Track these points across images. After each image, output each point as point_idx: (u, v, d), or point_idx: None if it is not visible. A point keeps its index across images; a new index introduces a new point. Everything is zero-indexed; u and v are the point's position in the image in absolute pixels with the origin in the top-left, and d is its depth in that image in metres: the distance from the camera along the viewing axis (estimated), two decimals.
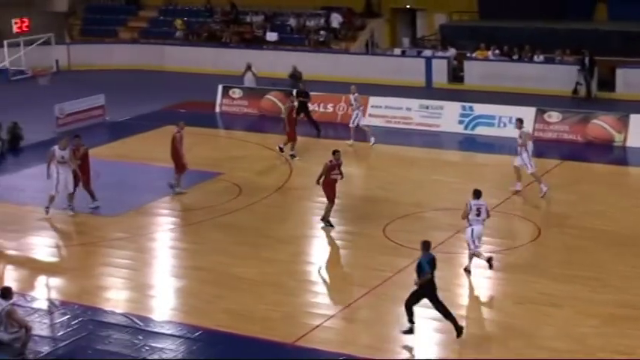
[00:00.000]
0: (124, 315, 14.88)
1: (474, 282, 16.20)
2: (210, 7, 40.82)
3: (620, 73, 31.01)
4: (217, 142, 25.25)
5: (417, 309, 14.31)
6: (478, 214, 16.15)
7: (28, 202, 20.24)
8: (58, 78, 25.42)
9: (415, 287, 13.88)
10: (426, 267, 13.75)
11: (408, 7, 38.88)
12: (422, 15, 39.03)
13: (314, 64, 33.80)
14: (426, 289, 13.83)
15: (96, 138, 26.18)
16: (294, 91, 27.66)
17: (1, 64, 23.64)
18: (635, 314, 14.59)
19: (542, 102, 27.60)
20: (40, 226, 19.33)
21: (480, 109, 26.99)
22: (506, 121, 26.39)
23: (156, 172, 23.32)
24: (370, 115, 28.04)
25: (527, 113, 26.24)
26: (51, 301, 15.69)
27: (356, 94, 25.67)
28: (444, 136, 26.66)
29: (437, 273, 16.39)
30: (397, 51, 36.53)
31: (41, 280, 16.95)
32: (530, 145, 20.93)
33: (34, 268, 17.40)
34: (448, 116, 27.22)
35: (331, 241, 18.28)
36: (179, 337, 14.11)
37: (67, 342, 13.97)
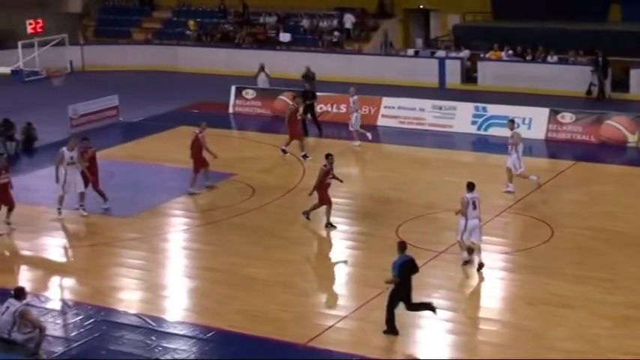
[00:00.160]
0: (136, 315, 14.94)
1: (486, 283, 16.17)
2: (223, 8, 40.92)
3: (634, 74, 30.90)
4: (230, 142, 25.27)
5: (429, 312, 14.33)
6: (474, 208, 16.36)
7: (41, 203, 20.35)
8: (72, 79, 25.54)
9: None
10: (396, 270, 13.83)
11: (421, 7, 38.83)
12: (435, 15, 38.97)
13: (327, 65, 33.82)
14: (398, 292, 13.88)
15: (109, 139, 26.32)
16: (301, 93, 27.73)
17: (15, 65, 23.73)
18: None
19: (555, 103, 27.52)
20: (53, 226, 19.43)
21: (493, 109, 26.93)
22: (519, 121, 26.25)
23: (169, 173, 23.42)
24: (383, 116, 28.07)
25: (541, 114, 26.25)
26: (64, 302, 15.76)
27: (355, 97, 25.69)
28: (457, 137, 26.62)
29: (449, 274, 16.52)
30: (410, 52, 36.51)
31: (54, 280, 17.03)
32: (520, 146, 20.91)
33: (47, 268, 17.50)
34: (461, 117, 27.17)
35: (344, 242, 18.27)
36: (192, 337, 14.15)
37: (80, 342, 14.03)
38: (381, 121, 28.05)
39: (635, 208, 19.78)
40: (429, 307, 14.16)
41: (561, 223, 18.87)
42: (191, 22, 40.34)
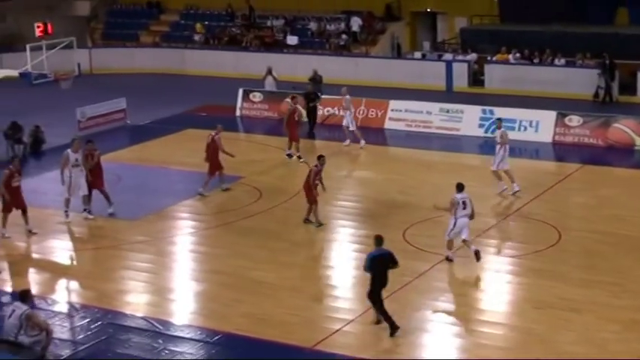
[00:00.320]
0: (143, 318, 14.95)
1: (492, 287, 16.16)
2: (231, 11, 40.95)
3: None
4: (237, 145, 25.25)
5: (435, 315, 14.31)
6: (464, 208, 16.56)
7: (49, 205, 20.39)
8: (80, 82, 25.61)
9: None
10: (367, 263, 14.01)
11: (428, 10, 38.83)
12: (442, 18, 38.95)
13: (334, 68, 33.83)
14: (374, 287, 14.01)
15: (117, 141, 26.37)
16: (304, 94, 27.81)
17: (23, 68, 23.80)
18: None
19: (562, 106, 27.48)
20: (60, 229, 19.46)
21: (500, 112, 26.84)
22: (526, 124, 26.30)
23: (176, 176, 23.45)
24: (390, 119, 28.06)
25: (548, 117, 26.21)
26: (71, 305, 15.80)
27: (347, 96, 25.78)
28: (464, 140, 26.59)
29: (456, 277, 16.52)
30: (417, 55, 36.49)
31: (62, 283, 17.07)
32: (507, 145, 21.05)
33: (54, 271, 17.54)
34: (468, 120, 27.15)
35: (350, 245, 18.25)
36: (198, 340, 14.16)
37: (87, 345, 14.06)
38: (388, 124, 28.03)
39: None
40: (388, 318, 14.06)
41: (568, 227, 18.83)
42: (198, 26, 40.40)
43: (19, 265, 17.83)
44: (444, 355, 13.74)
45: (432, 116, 27.60)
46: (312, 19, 39.39)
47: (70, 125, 27.00)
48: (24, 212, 18.91)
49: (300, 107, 25.34)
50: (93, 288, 16.48)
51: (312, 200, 19.04)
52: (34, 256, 18.44)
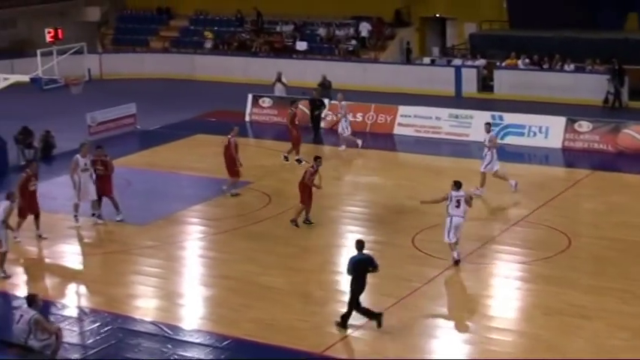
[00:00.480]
0: (153, 323, 14.98)
1: (502, 293, 16.13)
2: (240, 17, 41.06)
3: None
4: (247, 151, 25.28)
5: (443, 321, 14.29)
6: (458, 206, 16.67)
7: (59, 210, 20.45)
8: (90, 87, 25.64)
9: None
10: (350, 266, 14.30)
11: (437, 16, 38.84)
12: (452, 24, 38.97)
13: (343, 74, 33.89)
14: (354, 289, 14.28)
15: (127, 146, 26.46)
16: (309, 100, 27.92)
17: (34, 73, 23.87)
18: None
19: (572, 111, 27.44)
20: (70, 234, 19.53)
21: (509, 118, 26.87)
22: (536, 130, 26.28)
23: (186, 181, 23.51)
24: (399, 125, 28.08)
25: (558, 123, 26.17)
26: (81, 309, 15.84)
27: (343, 102, 25.91)
28: (473, 146, 26.48)
29: (465, 283, 16.50)
30: (427, 60, 36.50)
31: (71, 287, 17.13)
32: (494, 150, 21.21)
33: (64, 275, 17.60)
34: (478, 126, 27.00)
35: None
36: (207, 345, 14.18)
37: (96, 350, 14.09)
38: (397, 130, 28.05)
39: None
40: (370, 314, 14.42)
41: (578, 233, 18.78)
42: (207, 33, 40.50)
43: (29, 269, 17.87)
44: None
45: (442, 122, 27.59)
46: (321, 24, 39.46)
47: (80, 130, 27.10)
48: (36, 217, 18.97)
49: (304, 109, 25.45)
50: (102, 292, 16.53)
51: (304, 200, 19.21)
52: (44, 260, 18.50)
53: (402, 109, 28.32)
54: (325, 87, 30.19)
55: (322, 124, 27.18)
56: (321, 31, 39.18)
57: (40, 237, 18.96)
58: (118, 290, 16.54)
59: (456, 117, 27.50)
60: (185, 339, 14.48)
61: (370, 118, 28.49)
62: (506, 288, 16.28)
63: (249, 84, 33.63)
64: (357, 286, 14.36)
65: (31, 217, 18.92)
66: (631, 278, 16.35)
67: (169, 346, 14.18)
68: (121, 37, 42.48)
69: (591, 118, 26.20)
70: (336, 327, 14.42)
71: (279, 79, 31.71)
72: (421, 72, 34.96)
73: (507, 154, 25.58)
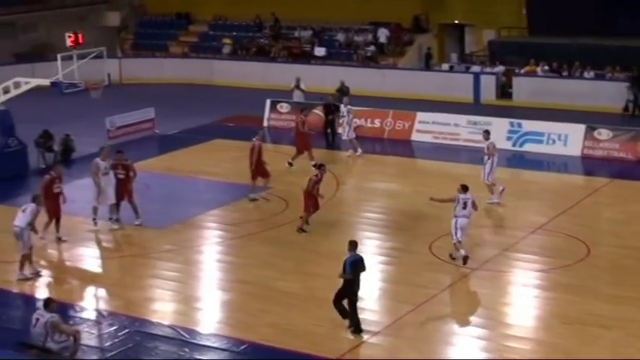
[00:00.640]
0: (170, 327, 15.02)
1: (520, 301, 16.05)
2: (259, 22, 41.17)
3: None
4: (265, 155, 25.31)
5: (461, 328, 14.22)
6: (464, 207, 17.12)
7: (78, 213, 20.54)
8: (110, 91, 25.78)
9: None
10: (347, 268, 14.33)
11: (456, 22, 38.78)
12: (470, 31, 38.88)
13: (361, 79, 33.87)
14: (346, 289, 14.36)
15: (145, 151, 26.55)
16: (324, 105, 27.98)
17: (54, 77, 24.02)
18: None
19: (592, 119, 27.30)
20: (89, 237, 19.63)
21: (528, 125, 26.76)
22: (555, 138, 26.16)
23: (204, 185, 23.58)
24: (417, 131, 28.02)
25: (577, 130, 26.04)
26: (99, 312, 15.91)
27: (348, 106, 26.11)
28: None
29: (483, 291, 16.43)
30: (445, 66, 36.44)
31: (90, 290, 17.20)
32: (496, 157, 21.17)
33: (83, 278, 17.68)
34: (496, 133, 26.90)
35: (376, 257, 18.22)
36: (224, 350, 14.21)
37: (114, 352, 14.15)
38: (415, 136, 28.01)
39: None
40: (345, 313, 14.52)
41: (597, 242, 18.67)
42: (226, 40, 40.62)
43: (48, 272, 17.97)
44: None
45: (460, 128, 27.51)
46: (340, 30, 39.49)
47: (99, 134, 27.24)
48: (57, 220, 19.08)
49: (319, 113, 25.52)
50: (120, 296, 16.60)
51: (308, 208, 19.32)
52: (64, 263, 18.60)
53: (420, 116, 28.27)
54: (343, 92, 30.17)
55: (339, 130, 27.14)
56: (340, 37, 39.21)
57: (59, 239, 19.08)
58: (136, 294, 16.60)
59: (475, 124, 27.39)
60: (202, 343, 14.51)
61: (388, 124, 28.45)
62: (524, 296, 16.21)
63: (267, 89, 33.68)
64: (355, 288, 14.41)
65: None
66: None
67: (186, 349, 14.22)
68: (141, 42, 42.70)
69: (611, 126, 26.05)
70: (351, 334, 14.39)
71: (297, 86, 31.74)
72: (439, 78, 34.91)
73: (526, 162, 25.59)
